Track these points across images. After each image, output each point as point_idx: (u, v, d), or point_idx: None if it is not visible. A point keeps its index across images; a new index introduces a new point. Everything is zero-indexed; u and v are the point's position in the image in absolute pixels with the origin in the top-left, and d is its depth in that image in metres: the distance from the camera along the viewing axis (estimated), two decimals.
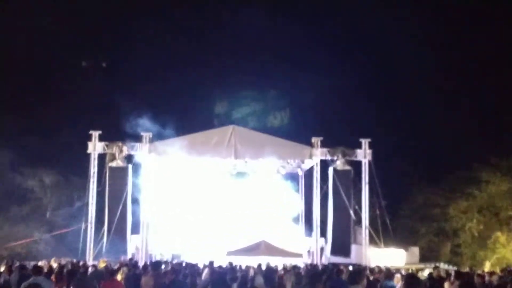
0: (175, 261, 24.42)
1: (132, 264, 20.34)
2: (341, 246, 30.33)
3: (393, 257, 30.01)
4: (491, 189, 35.38)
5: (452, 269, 25.84)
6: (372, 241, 30.75)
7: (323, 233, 31.36)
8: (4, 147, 33.47)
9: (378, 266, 20.05)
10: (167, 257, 29.24)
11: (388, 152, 39.35)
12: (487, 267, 32.83)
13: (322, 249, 31.20)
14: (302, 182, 35.42)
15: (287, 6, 54.93)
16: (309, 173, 33.28)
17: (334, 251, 30.30)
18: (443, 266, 29.50)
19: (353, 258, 30.04)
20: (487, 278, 16.67)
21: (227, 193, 33.65)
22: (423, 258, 33.17)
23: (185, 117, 43.47)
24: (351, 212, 30.59)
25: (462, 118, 44.78)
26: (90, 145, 30.20)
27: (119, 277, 15.60)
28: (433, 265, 24.84)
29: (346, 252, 30.13)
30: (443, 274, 17.18)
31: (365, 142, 31.19)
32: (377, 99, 49.31)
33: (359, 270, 10.32)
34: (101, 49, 49.60)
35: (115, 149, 30.12)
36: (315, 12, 54.50)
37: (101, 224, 29.90)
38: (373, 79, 51.05)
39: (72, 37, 47.69)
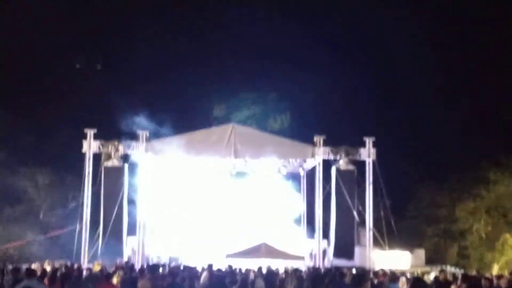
0: (172, 264, 24.43)
1: (128, 267, 20.32)
2: (344, 248, 30.26)
3: (398, 260, 29.99)
4: (499, 189, 35.33)
5: (459, 272, 25.82)
6: (376, 243, 30.69)
7: (325, 235, 31.31)
8: None
9: (382, 269, 20.02)
10: (164, 259, 29.24)
11: (392, 151, 39.33)
12: (495, 270, 32.80)
13: (324, 252, 31.16)
14: (304, 182, 35.36)
15: (287, 6, 55.02)
16: (311, 173, 33.22)
17: (337, 254, 30.23)
18: (449, 269, 29.51)
19: (357, 260, 29.98)
20: (495, 281, 16.62)
21: (226, 193, 33.61)
22: (429, 261, 33.14)
23: (183, 115, 43.53)
24: (355, 213, 30.52)
25: (469, 116, 44.83)
26: (85, 144, 30.13)
27: (114, 280, 15.58)
28: (439, 268, 24.86)
29: (349, 255, 30.07)
30: (449, 277, 17.14)
31: (369, 140, 31.10)
32: (382, 96, 49.35)
33: (363, 273, 10.30)
34: (98, 47, 49.71)
35: (110, 148, 30.07)
36: (316, 11, 54.66)
37: (96, 225, 29.88)
38: (377, 75, 51.08)
39: (68, 35, 47.74)
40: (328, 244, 31.22)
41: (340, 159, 30.91)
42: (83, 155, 30.18)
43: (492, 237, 35.45)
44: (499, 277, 18.71)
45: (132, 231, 30.26)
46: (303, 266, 26.77)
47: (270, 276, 18.25)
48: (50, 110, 42.28)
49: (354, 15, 51.51)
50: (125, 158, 30.54)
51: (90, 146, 30.13)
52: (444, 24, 49.95)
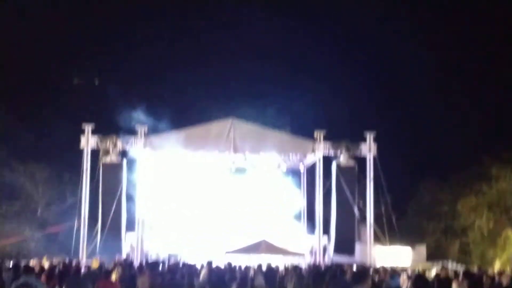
0: (172, 261, 24.48)
1: (127, 264, 20.38)
2: (344, 244, 30.31)
3: (399, 256, 30.05)
4: (501, 185, 35.33)
5: (460, 268, 25.87)
6: (377, 239, 30.73)
7: (326, 231, 31.34)
8: None
9: (383, 267, 20.10)
10: (163, 256, 29.28)
11: (393, 147, 39.36)
12: (497, 266, 32.86)
13: (325, 248, 31.21)
14: (304, 178, 35.39)
15: (288, 4, 55.05)
16: (311, 169, 33.25)
17: (337, 250, 30.28)
18: (451, 265, 29.57)
19: (357, 257, 30.04)
20: (496, 278, 16.70)
21: (225, 189, 33.65)
22: (430, 257, 33.19)
23: (182, 109, 43.50)
24: (355, 209, 30.57)
25: (471, 111, 44.80)
26: (83, 139, 30.12)
27: (113, 277, 15.62)
28: (440, 264, 24.93)
29: (350, 251, 30.13)
30: (451, 274, 17.19)
31: (370, 135, 31.09)
32: (383, 91, 49.37)
33: (364, 270, 10.35)
34: (96, 41, 49.61)
35: (108, 144, 30.05)
36: (317, 9, 54.67)
37: (94, 221, 29.91)
38: (378, 70, 51.14)
39: (66, 29, 47.72)
40: (329, 240, 31.25)
41: (340, 154, 30.92)
42: (81, 151, 30.19)
43: (494, 233, 35.48)
44: (501, 273, 18.79)
45: (130, 227, 30.31)
46: (303, 262, 26.84)
47: (270, 273, 18.30)
48: (48, 105, 42.27)
49: (355, 10, 51.59)
50: (124, 153, 30.56)
51: (88, 141, 30.12)
52: (444, 18, 50.06)
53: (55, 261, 23.45)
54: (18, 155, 36.68)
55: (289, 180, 34.51)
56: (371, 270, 19.29)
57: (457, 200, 37.11)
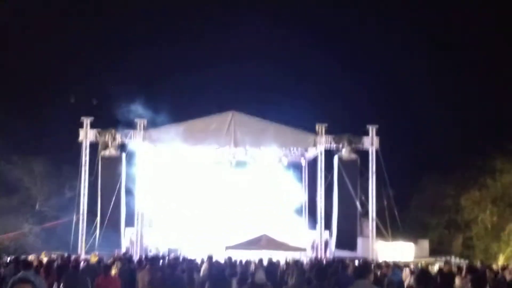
0: (171, 255, 24.51)
1: (126, 258, 20.41)
2: (346, 239, 30.33)
3: (401, 251, 30.08)
4: (505, 179, 35.31)
5: (463, 263, 25.90)
6: (379, 234, 30.74)
7: (327, 226, 31.35)
8: None
9: (385, 261, 20.12)
10: (163, 251, 29.32)
11: (396, 140, 39.32)
12: (500, 260, 32.88)
13: (326, 243, 31.23)
14: (305, 171, 35.39)
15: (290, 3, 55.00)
16: (312, 162, 33.24)
17: (339, 245, 30.30)
18: (454, 260, 29.59)
19: (360, 252, 30.06)
20: (499, 272, 16.74)
21: (226, 183, 33.63)
22: (433, 252, 33.21)
23: (182, 103, 43.47)
24: (357, 203, 30.57)
25: (475, 104, 44.73)
26: (82, 132, 30.15)
27: (112, 272, 15.65)
28: (443, 259, 24.95)
29: (352, 246, 30.15)
30: (454, 269, 17.21)
31: (372, 128, 31.06)
32: (385, 83, 49.32)
33: (366, 264, 10.36)
34: (95, 32, 49.55)
35: (107, 137, 30.07)
36: (320, 3, 54.74)
37: (93, 216, 29.96)
38: (380, 63, 51.02)
39: (66, 26, 47.70)
40: (330, 235, 31.26)
41: (342, 148, 30.88)
42: (80, 145, 30.20)
43: (497, 227, 35.49)
44: (504, 268, 18.82)
45: (130, 222, 30.34)
46: (304, 257, 26.87)
47: (271, 268, 18.32)
48: (46, 97, 42.23)
49: (357, 7, 51.66)
50: (123, 147, 30.57)
51: (87, 135, 30.15)
52: (445, 15, 50.07)
53: (54, 256, 23.48)
54: (16, 148, 36.68)
55: (290, 174, 34.47)
56: (373, 264, 19.32)
57: (460, 194, 37.10)
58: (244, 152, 32.47)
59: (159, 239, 31.55)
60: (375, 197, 30.82)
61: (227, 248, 27.09)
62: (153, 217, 32.37)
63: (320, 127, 30.95)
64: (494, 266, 21.84)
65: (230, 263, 17.67)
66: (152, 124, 30.73)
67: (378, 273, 16.05)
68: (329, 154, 31.25)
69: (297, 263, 18.68)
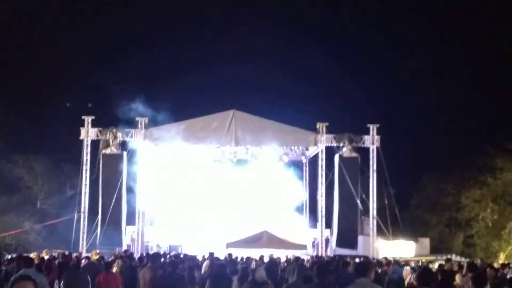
0: (173, 253, 24.52)
1: (127, 256, 20.42)
2: (347, 237, 30.32)
3: (402, 249, 30.07)
4: (506, 177, 35.33)
5: (464, 261, 25.90)
6: (380, 232, 30.75)
7: (328, 224, 31.35)
8: None
9: (385, 258, 20.11)
10: (164, 248, 29.34)
11: (397, 139, 39.36)
12: (501, 259, 32.91)
13: (327, 241, 31.24)
14: (306, 170, 35.40)
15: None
16: (313, 161, 33.24)
17: (340, 243, 30.30)
18: (455, 258, 29.58)
19: (360, 250, 30.07)
20: (500, 270, 16.73)
21: (227, 181, 33.62)
22: (434, 250, 33.23)
23: (183, 101, 43.53)
24: (358, 201, 30.56)
25: (476, 102, 44.74)
26: (83, 131, 30.17)
27: (114, 269, 15.67)
28: (444, 257, 24.91)
29: (352, 244, 30.14)
30: (455, 267, 17.21)
31: (373, 127, 31.05)
32: (386, 82, 49.32)
33: (366, 262, 10.34)
34: (96, 32, 49.60)
35: (109, 135, 30.11)
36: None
37: (94, 214, 29.98)
38: (381, 61, 51.03)
39: (67, 26, 47.82)
40: (331, 233, 31.25)
41: (343, 146, 30.87)
42: (81, 143, 30.23)
43: (498, 225, 35.51)
44: (504, 265, 18.82)
45: (131, 219, 30.36)
46: (305, 255, 26.85)
47: (272, 265, 18.32)
48: (47, 96, 42.29)
49: (358, 4, 51.72)
50: (124, 145, 30.58)
51: (88, 133, 30.17)
52: (446, 14, 50.12)
53: (55, 254, 23.50)
54: (17, 147, 36.73)
55: (291, 172, 34.43)
56: (374, 262, 19.31)
57: (461, 192, 37.12)
58: (245, 150, 32.48)
59: (161, 236, 31.56)
60: (375, 195, 30.81)
61: (228, 245, 27.10)
62: (154, 215, 32.37)
63: (321, 126, 30.94)
64: (495, 264, 21.86)
65: (230, 260, 17.66)
66: (153, 122, 30.76)
67: (379, 270, 16.05)
68: (330, 152, 31.24)
69: (297, 260, 18.66)
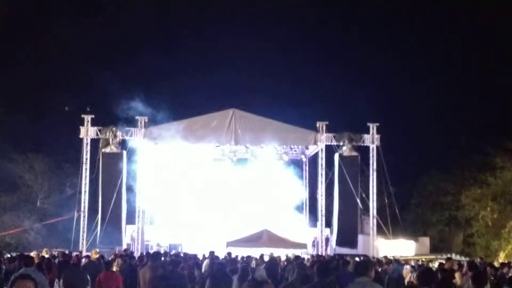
0: (173, 252, 24.52)
1: (127, 255, 20.41)
2: (347, 236, 30.32)
3: (402, 248, 30.07)
4: (506, 176, 35.32)
5: (464, 260, 25.90)
6: (380, 231, 30.76)
7: (328, 223, 31.37)
8: None
9: (385, 257, 20.11)
10: (164, 247, 29.33)
11: (397, 137, 39.34)
12: (501, 258, 32.90)
13: (327, 240, 31.25)
14: (306, 169, 35.41)
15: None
16: (313, 160, 33.25)
17: (340, 242, 30.29)
18: (455, 257, 29.59)
19: (360, 249, 30.07)
20: (500, 269, 16.72)
21: (227, 180, 33.63)
22: (434, 249, 33.26)
23: (183, 100, 43.52)
24: (358, 200, 30.57)
25: (475, 101, 44.77)
26: (83, 129, 30.17)
27: (114, 268, 15.65)
28: (444, 256, 24.93)
29: (352, 243, 30.14)
30: (455, 266, 17.20)
31: (373, 126, 31.06)
32: (386, 81, 49.32)
33: (366, 261, 10.34)
34: (96, 31, 49.61)
35: (108, 134, 30.10)
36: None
37: (94, 213, 29.97)
38: (381, 59, 51.02)
39: (67, 25, 47.80)
40: (331, 232, 31.27)
41: (343, 145, 30.87)
42: (80, 142, 30.22)
43: (498, 224, 35.50)
44: (504, 264, 18.82)
45: (131, 218, 30.36)
46: (305, 254, 26.85)
47: (272, 264, 18.31)
48: (47, 95, 42.30)
49: (356, 6, 51.81)
50: (124, 144, 30.57)
51: (88, 132, 30.17)
52: (446, 14, 50.22)
53: (55, 252, 23.50)
54: (17, 146, 36.69)
55: (291, 171, 34.43)
56: (374, 261, 19.31)
57: (461, 191, 37.12)
58: (245, 149, 32.50)
59: (160, 235, 31.55)
60: (375, 194, 30.82)
61: (228, 244, 27.10)
62: (154, 214, 32.37)
63: (321, 125, 30.95)
64: (495, 263, 21.85)
65: (231, 259, 17.65)
66: (153, 121, 30.76)
67: (379, 269, 16.05)
68: (330, 151, 31.26)
69: (297, 260, 18.67)
